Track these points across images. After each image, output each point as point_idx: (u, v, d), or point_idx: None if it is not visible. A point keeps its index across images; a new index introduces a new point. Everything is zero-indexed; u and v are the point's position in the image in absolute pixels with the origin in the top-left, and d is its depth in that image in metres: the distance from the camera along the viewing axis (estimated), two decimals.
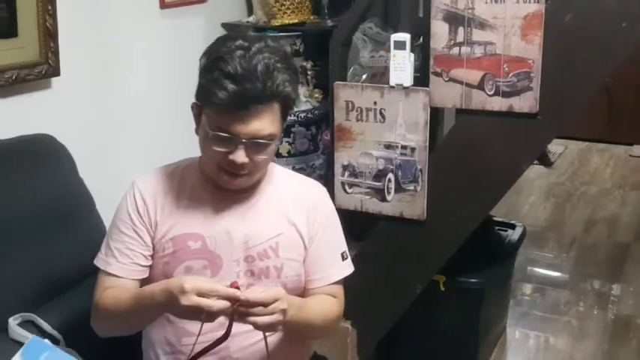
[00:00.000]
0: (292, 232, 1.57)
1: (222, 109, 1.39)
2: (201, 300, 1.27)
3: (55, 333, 1.68)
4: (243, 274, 1.52)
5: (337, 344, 2.44)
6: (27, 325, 1.68)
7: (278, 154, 2.90)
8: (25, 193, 1.78)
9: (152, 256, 1.53)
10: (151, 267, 1.53)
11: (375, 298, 2.43)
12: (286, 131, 2.88)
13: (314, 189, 1.66)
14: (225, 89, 1.37)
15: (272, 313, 1.33)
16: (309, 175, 2.93)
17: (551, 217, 4.41)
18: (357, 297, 2.32)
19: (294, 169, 2.92)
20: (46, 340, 1.62)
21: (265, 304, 1.32)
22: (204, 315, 1.29)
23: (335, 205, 2.35)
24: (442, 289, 2.49)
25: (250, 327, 1.48)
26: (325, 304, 1.60)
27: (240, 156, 1.43)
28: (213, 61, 1.41)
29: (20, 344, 1.54)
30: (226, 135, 1.41)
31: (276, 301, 1.33)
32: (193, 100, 1.50)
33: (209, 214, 1.53)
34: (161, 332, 1.54)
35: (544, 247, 3.97)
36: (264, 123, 1.42)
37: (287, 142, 2.90)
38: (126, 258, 1.52)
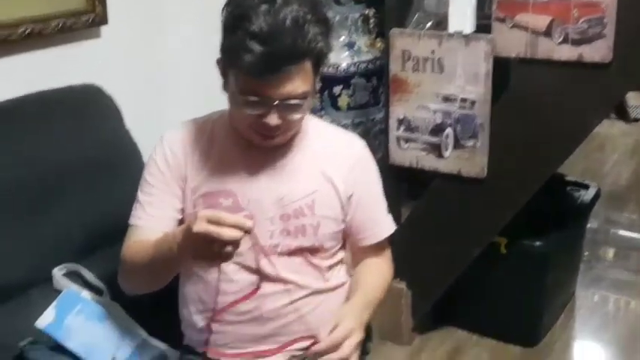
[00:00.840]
0: (329, 188, 1.49)
1: (250, 73, 1.30)
2: (210, 226, 1.19)
3: (99, 284, 1.68)
4: (279, 232, 1.46)
5: (391, 305, 2.37)
6: (72, 275, 1.68)
7: (337, 107, 2.81)
8: (71, 144, 1.77)
9: (182, 210, 1.49)
10: (180, 223, 1.48)
11: (431, 258, 2.34)
12: (346, 83, 2.78)
13: (352, 143, 1.57)
14: (252, 52, 1.26)
15: (346, 354, 1.35)
16: (369, 129, 2.83)
17: (635, 176, 4.13)
18: (412, 257, 2.26)
19: (353, 122, 2.83)
20: (84, 293, 1.62)
21: (337, 346, 1.34)
22: (216, 246, 1.19)
23: (389, 161, 2.29)
24: (503, 251, 2.37)
25: (282, 287, 1.45)
26: (377, 275, 1.59)
27: (273, 119, 1.35)
28: (237, 19, 1.30)
29: None
30: (257, 99, 1.33)
31: (346, 339, 1.35)
32: None
33: (241, 171, 1.46)
34: (194, 290, 1.51)
35: (625, 208, 3.72)
36: (296, 83, 1.32)
37: (347, 94, 2.79)
38: (155, 210, 1.47)
